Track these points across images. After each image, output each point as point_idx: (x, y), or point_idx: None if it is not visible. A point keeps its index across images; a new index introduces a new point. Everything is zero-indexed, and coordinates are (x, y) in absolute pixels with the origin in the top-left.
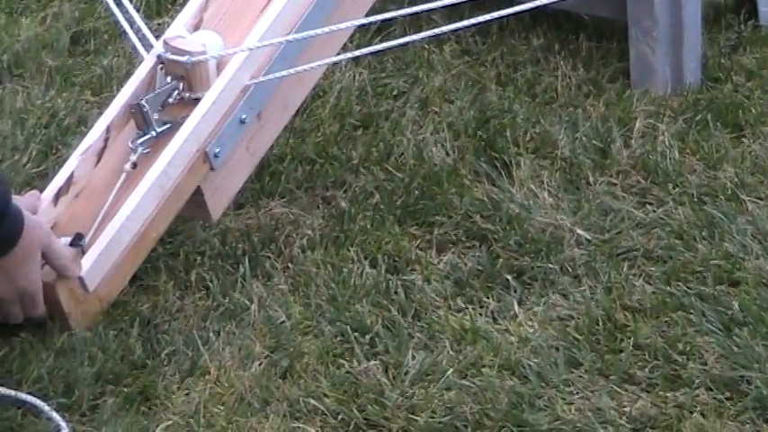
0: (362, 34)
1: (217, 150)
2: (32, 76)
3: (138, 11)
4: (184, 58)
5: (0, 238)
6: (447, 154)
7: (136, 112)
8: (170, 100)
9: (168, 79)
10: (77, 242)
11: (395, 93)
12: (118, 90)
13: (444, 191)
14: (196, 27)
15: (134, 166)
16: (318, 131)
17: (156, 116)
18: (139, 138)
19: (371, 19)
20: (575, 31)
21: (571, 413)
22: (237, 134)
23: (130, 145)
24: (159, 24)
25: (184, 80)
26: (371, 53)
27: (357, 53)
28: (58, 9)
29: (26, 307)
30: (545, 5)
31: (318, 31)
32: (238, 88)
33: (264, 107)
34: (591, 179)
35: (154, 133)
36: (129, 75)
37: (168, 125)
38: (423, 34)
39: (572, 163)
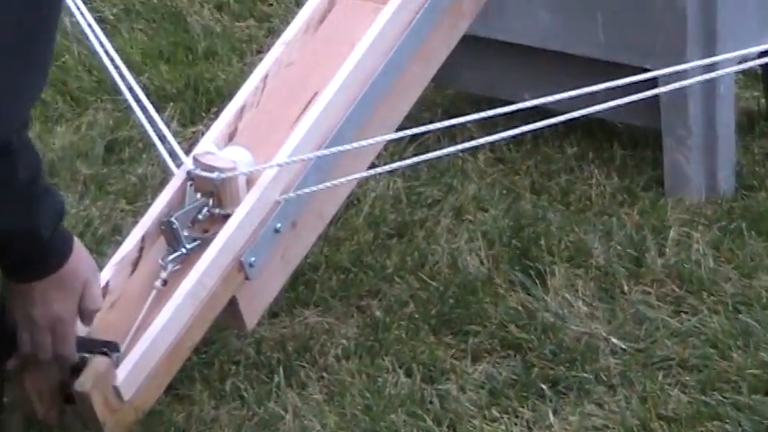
0: (396, 142)
1: (252, 260)
2: (67, 185)
3: (172, 119)
4: (214, 175)
5: (48, 253)
6: (481, 263)
7: (166, 228)
8: (200, 216)
9: (198, 195)
10: (113, 351)
11: (429, 201)
12: (152, 198)
13: (479, 300)
14: (230, 137)
15: (164, 282)
16: (353, 240)
17: (185, 233)
18: (170, 254)
19: (403, 134)
20: (608, 140)
21: None
22: (272, 243)
23: (161, 262)
24: (194, 132)
25: (214, 196)
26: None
27: (393, 166)
28: (93, 118)
29: (56, 340)
30: (579, 116)
31: (348, 146)
32: (268, 205)
33: (299, 216)
34: (625, 288)
35: (184, 250)
36: (163, 183)
37: (198, 241)
38: (457, 147)
39: (606, 272)
